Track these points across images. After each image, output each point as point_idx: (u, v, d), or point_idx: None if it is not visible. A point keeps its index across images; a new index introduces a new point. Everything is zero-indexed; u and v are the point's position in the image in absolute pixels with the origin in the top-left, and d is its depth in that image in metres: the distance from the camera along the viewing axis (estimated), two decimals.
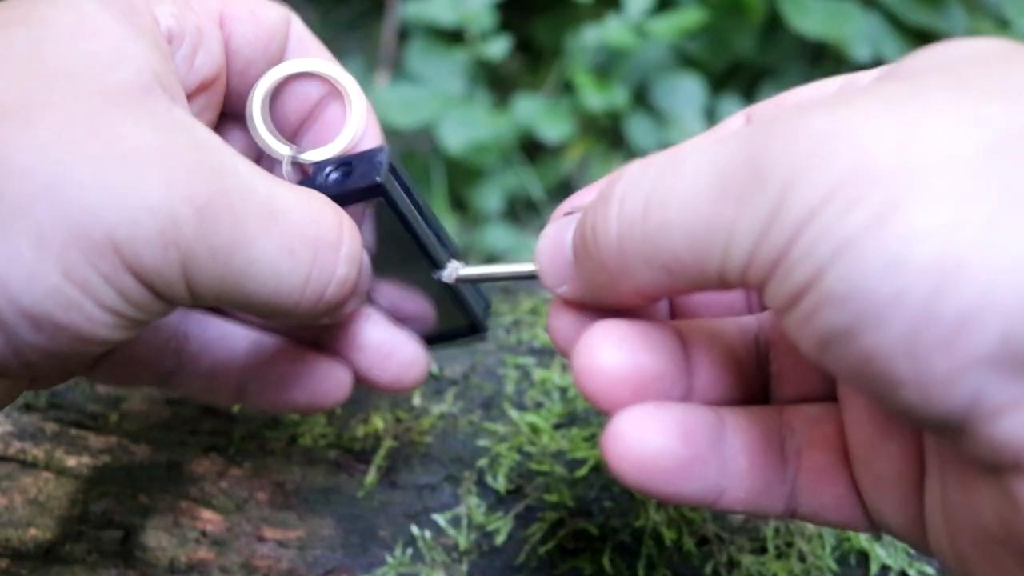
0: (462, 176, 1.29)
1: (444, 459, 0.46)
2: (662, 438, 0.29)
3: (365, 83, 1.39)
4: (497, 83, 1.36)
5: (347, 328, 0.38)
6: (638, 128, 1.30)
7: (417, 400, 0.48)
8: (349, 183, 0.35)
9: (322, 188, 0.34)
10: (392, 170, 0.35)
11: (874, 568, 0.43)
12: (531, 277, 0.34)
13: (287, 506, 0.45)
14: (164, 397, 0.48)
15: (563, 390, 0.49)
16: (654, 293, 0.29)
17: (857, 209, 0.22)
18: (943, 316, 0.21)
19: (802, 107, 0.25)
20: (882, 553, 0.43)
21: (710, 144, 0.26)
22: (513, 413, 0.48)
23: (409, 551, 0.44)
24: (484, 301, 0.40)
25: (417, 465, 0.46)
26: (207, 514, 0.44)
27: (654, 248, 0.27)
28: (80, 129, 0.27)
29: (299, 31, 0.37)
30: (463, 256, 0.39)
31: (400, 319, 0.40)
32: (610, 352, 0.29)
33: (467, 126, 1.23)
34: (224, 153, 0.30)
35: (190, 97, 0.33)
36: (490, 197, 1.29)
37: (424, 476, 0.46)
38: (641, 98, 1.32)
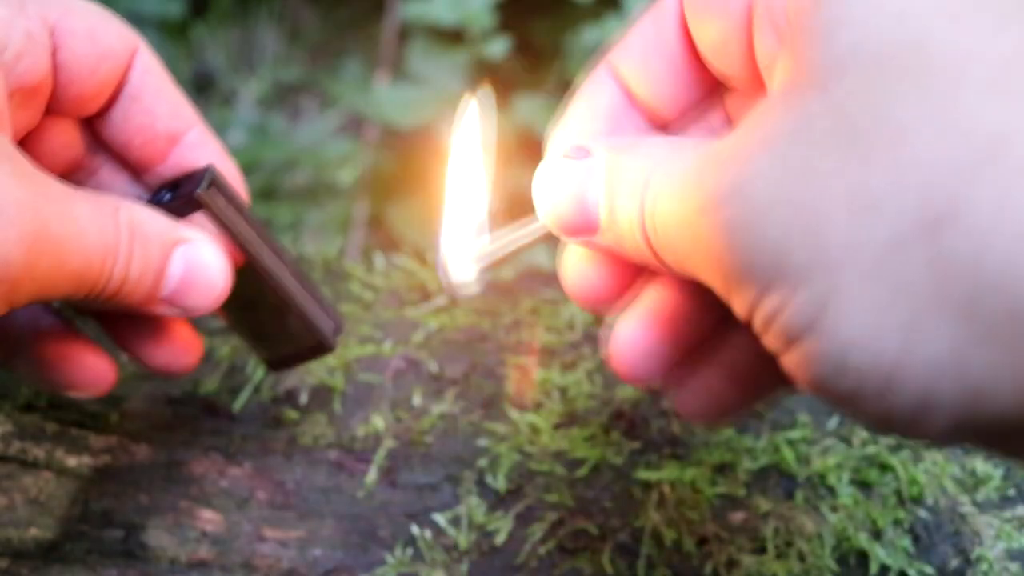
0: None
1: (444, 459, 0.46)
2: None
3: (365, 83, 1.39)
4: (497, 83, 1.36)
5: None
6: None
7: (417, 400, 0.49)
8: (177, 198, 0.38)
9: (159, 204, 0.38)
10: (218, 187, 0.38)
11: (874, 568, 0.43)
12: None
13: (287, 506, 0.45)
14: (165, 397, 0.48)
15: (563, 390, 0.49)
16: None
17: (789, 306, 0.24)
18: (900, 408, 0.23)
19: (721, 168, 0.26)
20: (882, 553, 0.43)
21: (678, 194, 0.28)
22: (513, 413, 0.48)
23: (409, 551, 0.44)
24: (336, 323, 0.42)
25: (417, 465, 0.46)
26: (207, 514, 0.44)
27: (678, 269, 0.30)
28: None
29: (146, 61, 0.38)
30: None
31: (254, 337, 0.43)
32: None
33: None
34: (43, 182, 0.32)
35: (11, 95, 0.34)
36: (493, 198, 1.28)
37: (424, 476, 0.46)
38: None
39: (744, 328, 0.32)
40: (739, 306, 0.26)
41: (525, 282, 0.55)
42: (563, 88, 1.35)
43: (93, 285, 0.33)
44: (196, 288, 0.37)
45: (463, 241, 0.37)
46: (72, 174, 0.40)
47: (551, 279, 0.56)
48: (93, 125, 0.39)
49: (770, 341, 0.25)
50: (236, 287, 0.38)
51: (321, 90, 1.46)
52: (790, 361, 0.25)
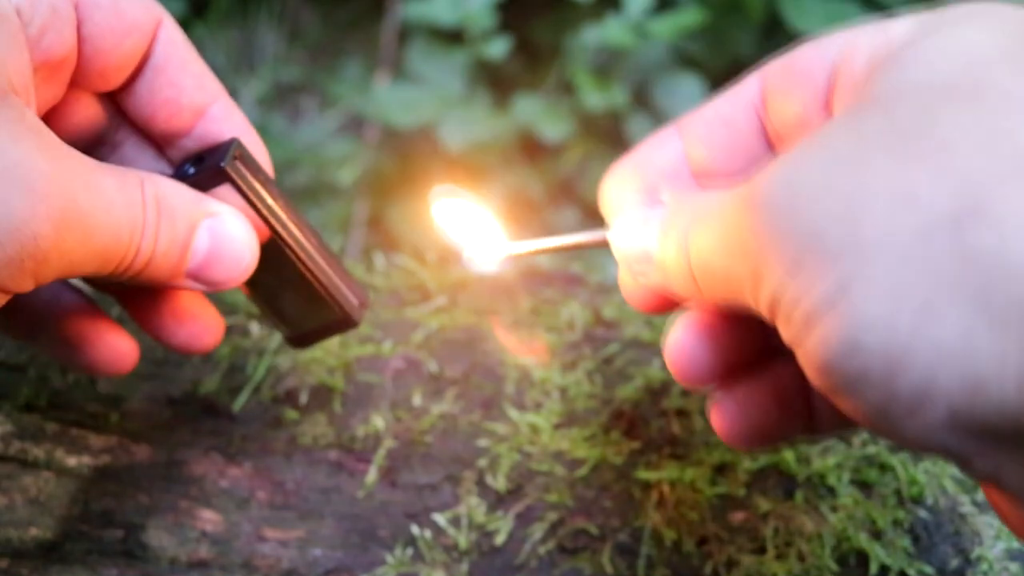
0: (462, 176, 1.29)
1: (444, 459, 0.46)
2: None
3: (365, 83, 1.39)
4: (497, 83, 1.36)
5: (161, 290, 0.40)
6: (638, 128, 1.30)
7: (417, 400, 0.49)
8: (202, 171, 0.38)
9: (183, 177, 0.38)
10: (243, 160, 0.38)
11: (873, 568, 0.43)
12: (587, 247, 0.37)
13: (287, 506, 0.45)
14: (165, 397, 0.48)
15: (563, 390, 0.49)
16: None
17: (815, 287, 0.25)
18: (901, 394, 0.24)
19: (771, 168, 0.27)
20: (881, 553, 0.43)
21: (719, 209, 0.29)
22: (513, 413, 0.48)
23: (409, 551, 0.44)
24: (360, 298, 0.41)
25: (417, 465, 0.46)
26: (207, 514, 0.44)
27: (715, 294, 0.31)
28: None
29: (171, 33, 0.38)
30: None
31: (278, 312, 0.42)
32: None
33: (467, 126, 1.23)
34: (70, 156, 0.32)
35: (36, 70, 0.33)
36: (490, 197, 1.29)
37: (424, 476, 0.46)
38: (641, 98, 1.32)
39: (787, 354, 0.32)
40: (766, 293, 0.27)
41: (525, 282, 0.55)
42: (563, 88, 1.35)
43: (120, 260, 0.33)
44: (222, 262, 0.36)
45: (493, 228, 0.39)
46: (96, 149, 0.39)
47: (551, 279, 0.56)
48: (117, 99, 0.39)
49: (790, 331, 0.26)
50: (260, 261, 0.38)
51: (321, 90, 1.46)
52: (805, 349, 0.26)
